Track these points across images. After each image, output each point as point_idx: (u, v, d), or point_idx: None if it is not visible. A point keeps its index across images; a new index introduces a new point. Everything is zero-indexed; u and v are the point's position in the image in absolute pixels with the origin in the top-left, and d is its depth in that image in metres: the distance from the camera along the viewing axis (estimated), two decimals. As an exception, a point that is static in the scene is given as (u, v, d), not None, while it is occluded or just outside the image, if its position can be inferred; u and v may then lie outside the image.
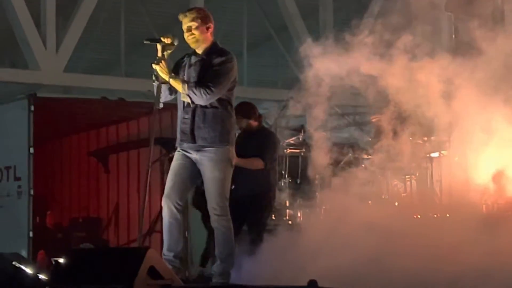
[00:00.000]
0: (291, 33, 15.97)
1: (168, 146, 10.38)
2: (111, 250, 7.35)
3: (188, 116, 6.53)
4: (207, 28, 6.56)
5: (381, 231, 6.63)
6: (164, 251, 6.47)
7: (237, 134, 7.42)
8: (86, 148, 13.24)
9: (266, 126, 17.63)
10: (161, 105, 6.55)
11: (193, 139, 6.51)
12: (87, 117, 12.32)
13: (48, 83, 13.86)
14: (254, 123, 8.42)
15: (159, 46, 6.57)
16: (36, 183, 10.96)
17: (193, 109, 6.51)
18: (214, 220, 6.52)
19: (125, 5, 16.08)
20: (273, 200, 8.42)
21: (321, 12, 16.08)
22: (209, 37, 6.58)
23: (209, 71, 6.49)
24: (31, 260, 10.48)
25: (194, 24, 6.53)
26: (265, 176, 8.26)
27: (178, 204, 6.50)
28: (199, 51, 6.60)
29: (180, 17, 6.59)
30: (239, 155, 6.94)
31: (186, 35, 6.58)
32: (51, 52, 13.76)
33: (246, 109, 8.38)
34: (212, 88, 6.43)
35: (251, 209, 8.03)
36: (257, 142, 8.19)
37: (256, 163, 8.13)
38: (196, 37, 6.53)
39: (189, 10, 6.63)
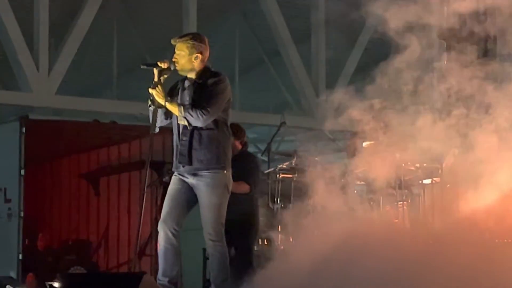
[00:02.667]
0: (283, 58, 16.04)
1: (160, 170, 10.41)
2: (106, 275, 7.33)
3: (186, 138, 6.54)
4: (195, 58, 6.53)
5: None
6: (159, 276, 6.46)
7: None
8: (77, 171, 13.22)
9: (257, 150, 17.68)
10: (157, 130, 6.56)
11: (190, 161, 6.52)
12: (78, 140, 12.32)
13: (40, 105, 13.86)
14: (239, 145, 8.43)
15: (155, 71, 6.57)
16: (26, 205, 10.92)
17: (191, 131, 6.53)
18: (209, 246, 6.52)
19: (118, 29, 16.13)
20: (258, 223, 8.44)
21: (313, 37, 16.16)
22: (197, 66, 6.55)
23: (203, 93, 6.51)
24: (20, 282, 10.44)
25: (180, 53, 6.54)
26: (250, 200, 8.28)
27: (175, 229, 6.50)
28: (191, 75, 6.61)
29: (172, 42, 6.61)
30: None
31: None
32: (43, 74, 13.77)
33: (235, 129, 8.43)
34: (208, 109, 6.45)
35: (239, 234, 8.02)
36: (241, 166, 8.17)
37: (242, 188, 8.14)
38: (180, 66, 6.53)
39: (181, 36, 6.61)
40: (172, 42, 6.60)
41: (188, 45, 6.53)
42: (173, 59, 6.55)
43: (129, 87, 16.02)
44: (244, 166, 8.17)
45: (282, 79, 17.16)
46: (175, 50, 6.58)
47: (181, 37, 6.61)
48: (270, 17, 15.62)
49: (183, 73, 6.60)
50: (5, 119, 12.02)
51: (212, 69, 6.66)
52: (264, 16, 15.72)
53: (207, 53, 6.61)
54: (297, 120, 15.59)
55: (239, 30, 16.83)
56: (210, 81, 6.52)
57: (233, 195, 7.78)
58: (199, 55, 6.53)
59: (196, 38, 6.59)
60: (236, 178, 7.90)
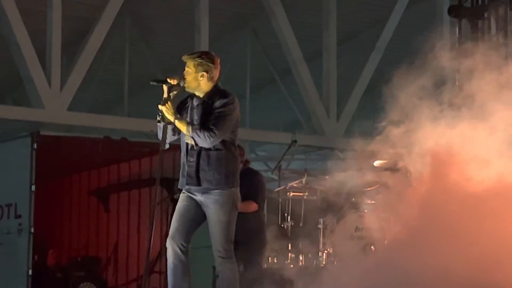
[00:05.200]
0: (294, 77, 16.06)
1: (170, 187, 10.40)
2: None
3: (193, 159, 6.51)
4: (201, 76, 6.46)
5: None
6: (168, 293, 6.45)
7: None
8: (87, 187, 13.23)
9: (267, 168, 17.64)
10: (167, 146, 6.55)
11: (198, 182, 6.50)
12: (89, 156, 12.32)
13: (52, 121, 13.91)
14: (240, 164, 8.45)
15: (165, 87, 6.55)
16: (36, 221, 10.92)
17: (198, 152, 6.50)
18: (218, 263, 6.50)
19: (129, 46, 16.21)
20: (266, 239, 8.44)
21: (325, 56, 16.18)
22: (203, 84, 6.47)
23: (211, 113, 6.48)
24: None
25: (188, 71, 6.50)
26: (258, 217, 8.28)
27: (183, 246, 6.48)
28: (200, 94, 6.58)
29: (183, 58, 6.59)
30: None
31: None
32: (55, 90, 13.84)
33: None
34: (216, 131, 6.42)
35: (247, 250, 8.02)
36: (246, 184, 8.15)
37: (251, 207, 8.15)
38: (186, 82, 6.52)
39: (191, 54, 6.55)
40: (183, 58, 6.59)
41: (195, 62, 6.48)
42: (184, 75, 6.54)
43: (140, 104, 16.07)
44: (249, 185, 8.17)
45: (293, 97, 17.19)
46: (185, 67, 6.57)
47: (190, 54, 6.60)
48: (281, 35, 15.65)
49: (190, 90, 6.56)
50: (16, 134, 12.04)
51: (222, 88, 6.60)
52: (275, 34, 15.76)
53: (215, 72, 6.52)
54: (307, 139, 15.59)
55: (250, 48, 16.87)
56: (219, 102, 6.47)
57: (241, 213, 7.78)
58: (204, 73, 6.45)
59: (204, 56, 6.51)
60: (242, 197, 7.91)
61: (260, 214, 8.36)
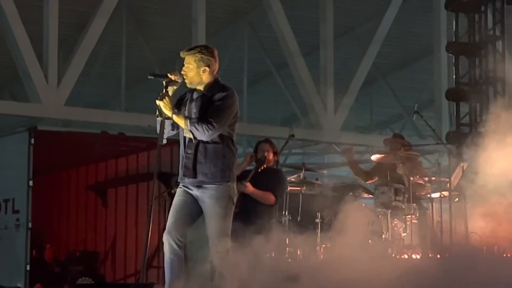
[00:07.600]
0: (291, 71, 16.05)
1: (168, 181, 10.41)
2: (115, 286, 7.31)
3: (191, 151, 6.55)
4: (203, 71, 6.51)
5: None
6: (166, 287, 6.47)
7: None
8: (85, 182, 13.23)
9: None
10: (164, 141, 6.57)
11: (194, 174, 6.53)
12: (86, 151, 12.32)
13: (49, 116, 13.92)
14: (275, 156, 8.71)
15: (163, 82, 6.57)
16: (34, 216, 10.92)
17: (196, 144, 6.53)
18: (215, 257, 6.52)
19: (126, 40, 16.20)
20: (268, 231, 8.49)
21: (322, 50, 16.17)
22: (205, 78, 6.53)
23: (210, 106, 6.51)
24: (28, 293, 10.46)
25: (188, 66, 6.53)
26: (269, 213, 8.35)
27: (179, 240, 6.52)
28: (200, 87, 6.61)
29: (181, 54, 6.60)
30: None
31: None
32: (52, 85, 13.83)
33: (270, 142, 8.67)
34: (214, 124, 6.45)
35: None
36: (269, 178, 8.33)
37: (269, 198, 8.31)
38: (188, 79, 6.54)
39: (189, 49, 6.58)
40: (181, 54, 6.60)
41: (196, 58, 6.51)
42: (182, 72, 6.56)
43: (138, 99, 16.09)
44: (273, 179, 8.36)
45: (290, 91, 17.19)
46: (184, 63, 6.59)
47: (189, 49, 6.58)
48: (278, 29, 15.64)
49: (192, 86, 6.61)
50: (14, 129, 12.04)
51: (222, 82, 6.64)
52: (272, 28, 15.75)
53: (215, 66, 6.58)
54: (305, 133, 15.59)
55: (247, 42, 16.87)
56: (218, 95, 6.51)
57: (254, 206, 7.84)
58: (206, 68, 6.51)
59: (204, 51, 6.55)
60: (262, 188, 8.06)
61: (272, 210, 8.46)
